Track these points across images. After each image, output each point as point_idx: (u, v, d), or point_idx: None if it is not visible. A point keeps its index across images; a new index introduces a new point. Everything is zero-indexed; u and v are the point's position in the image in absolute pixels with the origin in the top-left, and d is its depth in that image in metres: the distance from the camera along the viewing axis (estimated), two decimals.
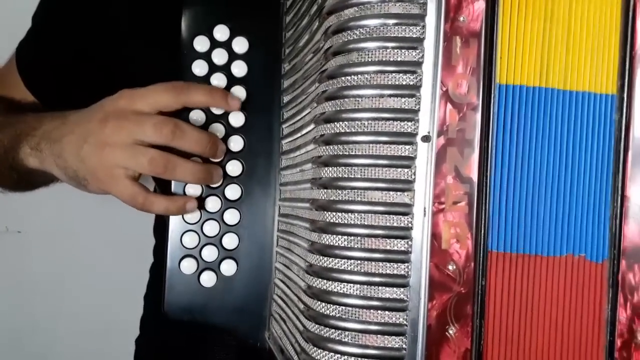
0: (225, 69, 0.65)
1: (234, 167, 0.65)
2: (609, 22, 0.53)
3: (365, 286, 0.48)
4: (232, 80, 0.65)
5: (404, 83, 0.48)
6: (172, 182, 0.63)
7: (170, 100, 0.60)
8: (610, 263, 0.53)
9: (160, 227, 0.88)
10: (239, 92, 0.65)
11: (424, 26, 0.48)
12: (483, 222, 0.49)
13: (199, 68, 0.64)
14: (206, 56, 0.65)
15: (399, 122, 0.48)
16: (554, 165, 0.52)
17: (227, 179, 0.65)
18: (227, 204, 0.65)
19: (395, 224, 0.48)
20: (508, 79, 0.50)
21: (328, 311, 0.50)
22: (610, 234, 0.53)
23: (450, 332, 0.48)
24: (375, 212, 0.48)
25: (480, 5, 0.49)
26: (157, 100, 0.60)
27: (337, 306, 0.49)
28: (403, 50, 0.48)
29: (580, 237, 0.53)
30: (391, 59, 0.48)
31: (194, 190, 0.64)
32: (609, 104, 0.53)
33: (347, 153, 0.49)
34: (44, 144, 0.65)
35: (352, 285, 0.49)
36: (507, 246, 0.51)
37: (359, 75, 0.49)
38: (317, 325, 0.50)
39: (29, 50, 0.78)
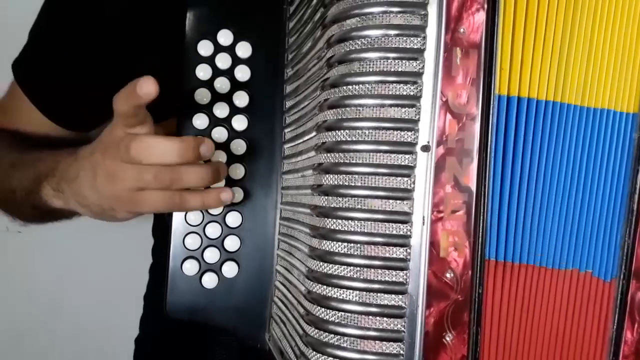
0: (229, 73, 0.65)
1: (236, 170, 0.65)
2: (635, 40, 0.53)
3: (365, 293, 0.49)
4: (236, 85, 0.65)
5: (405, 93, 0.49)
6: None
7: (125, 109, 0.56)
8: (618, 282, 0.54)
9: (159, 227, 0.89)
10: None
11: (424, 37, 0.49)
12: (481, 230, 0.49)
13: (203, 72, 0.65)
14: (210, 60, 0.65)
15: (399, 131, 0.49)
16: (564, 180, 0.52)
17: (229, 182, 0.65)
18: (229, 206, 0.65)
19: (394, 232, 0.49)
20: (508, 90, 0.51)
21: (327, 316, 0.50)
22: (622, 253, 0.53)
23: (447, 339, 0.49)
24: (375, 220, 0.49)
25: (480, 17, 0.49)
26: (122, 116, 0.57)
27: (337, 312, 0.50)
28: (404, 61, 0.49)
29: (588, 253, 0.54)
30: (392, 70, 0.49)
31: None
32: (629, 122, 0.54)
33: (347, 161, 0.50)
34: (63, 184, 0.64)
35: (351, 291, 0.49)
36: (509, 255, 0.52)
37: (361, 85, 0.49)
38: (316, 330, 0.51)
39: (29, 65, 0.77)
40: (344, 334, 0.49)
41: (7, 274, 1.11)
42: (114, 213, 0.62)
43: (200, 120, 0.64)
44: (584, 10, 0.53)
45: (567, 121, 0.53)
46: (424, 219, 0.49)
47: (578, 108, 0.53)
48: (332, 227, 0.50)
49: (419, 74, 0.49)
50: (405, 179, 0.49)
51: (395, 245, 0.49)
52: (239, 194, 0.65)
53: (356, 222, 0.49)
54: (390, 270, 0.49)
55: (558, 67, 0.52)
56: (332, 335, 0.50)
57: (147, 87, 0.53)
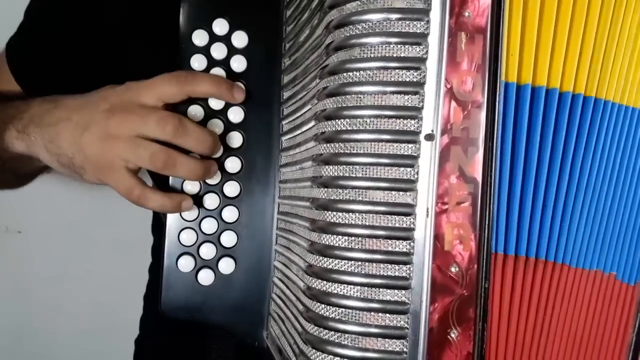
0: (225, 63, 0.64)
1: (232, 164, 0.64)
2: None
3: (366, 288, 0.47)
4: (232, 75, 0.64)
5: (407, 80, 0.47)
6: (170, 177, 0.63)
7: (175, 90, 0.59)
8: None
9: (159, 226, 0.88)
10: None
11: (428, 21, 0.47)
12: (487, 223, 0.47)
13: (198, 62, 0.64)
14: (205, 50, 0.64)
15: (401, 119, 0.47)
16: (595, 177, 0.52)
17: (226, 176, 0.64)
18: (226, 201, 0.64)
19: (397, 225, 0.47)
20: (519, 78, 0.49)
21: (327, 313, 0.49)
22: None
23: (452, 335, 0.47)
24: (377, 212, 0.47)
25: (486, 1, 0.47)
26: (162, 91, 0.59)
27: (337, 308, 0.48)
28: (406, 46, 0.47)
29: (614, 255, 0.53)
30: (394, 55, 0.47)
31: (192, 186, 0.63)
32: None
33: (348, 151, 0.48)
34: (32, 127, 0.63)
35: (352, 286, 0.48)
36: (522, 249, 0.50)
37: (361, 72, 0.48)
38: (316, 327, 0.50)
39: (20, 43, 0.77)
40: (344, 331, 0.48)
41: (7, 274, 1.11)
42: (82, 172, 0.62)
43: (195, 112, 0.62)
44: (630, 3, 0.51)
45: (603, 118, 0.51)
46: (427, 211, 0.47)
47: (616, 106, 0.52)
48: (332, 220, 0.49)
49: (423, 60, 0.47)
50: (409, 169, 0.47)
51: (397, 238, 0.47)
52: (234, 189, 0.64)
53: (357, 214, 0.48)
54: (393, 265, 0.47)
55: (593, 59, 0.51)
56: (332, 333, 0.48)
57: (242, 96, 0.62)
